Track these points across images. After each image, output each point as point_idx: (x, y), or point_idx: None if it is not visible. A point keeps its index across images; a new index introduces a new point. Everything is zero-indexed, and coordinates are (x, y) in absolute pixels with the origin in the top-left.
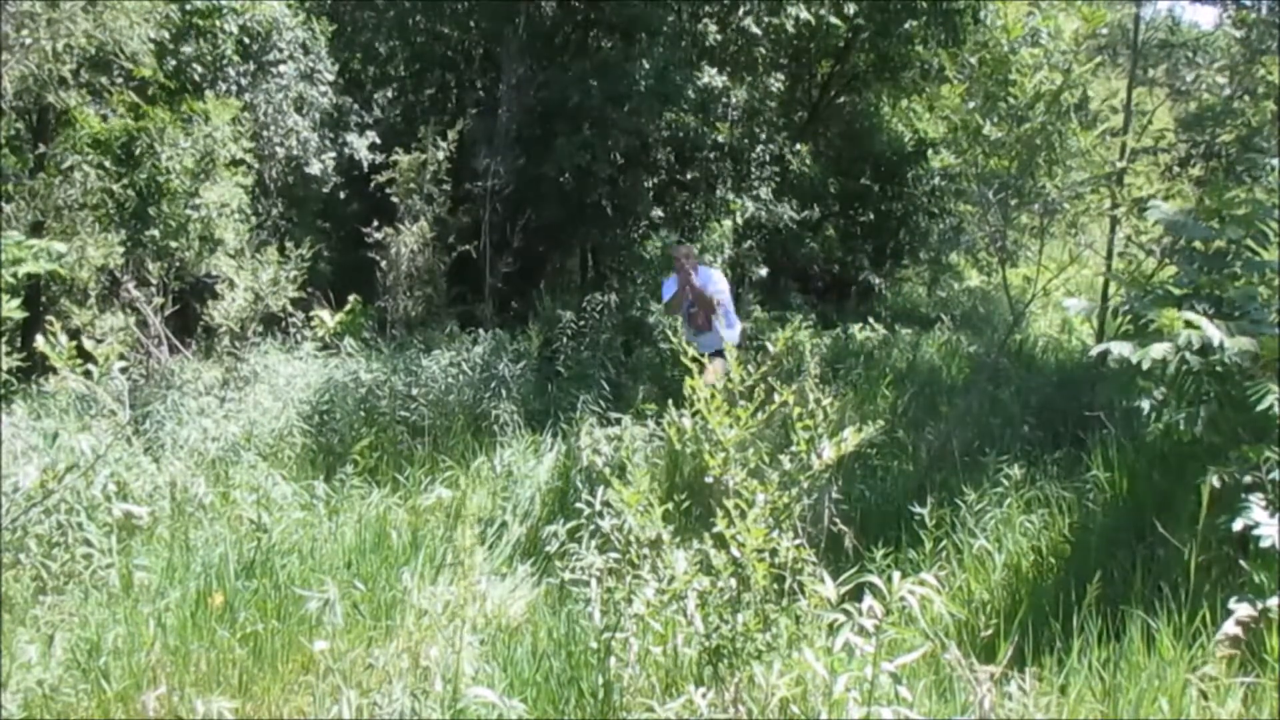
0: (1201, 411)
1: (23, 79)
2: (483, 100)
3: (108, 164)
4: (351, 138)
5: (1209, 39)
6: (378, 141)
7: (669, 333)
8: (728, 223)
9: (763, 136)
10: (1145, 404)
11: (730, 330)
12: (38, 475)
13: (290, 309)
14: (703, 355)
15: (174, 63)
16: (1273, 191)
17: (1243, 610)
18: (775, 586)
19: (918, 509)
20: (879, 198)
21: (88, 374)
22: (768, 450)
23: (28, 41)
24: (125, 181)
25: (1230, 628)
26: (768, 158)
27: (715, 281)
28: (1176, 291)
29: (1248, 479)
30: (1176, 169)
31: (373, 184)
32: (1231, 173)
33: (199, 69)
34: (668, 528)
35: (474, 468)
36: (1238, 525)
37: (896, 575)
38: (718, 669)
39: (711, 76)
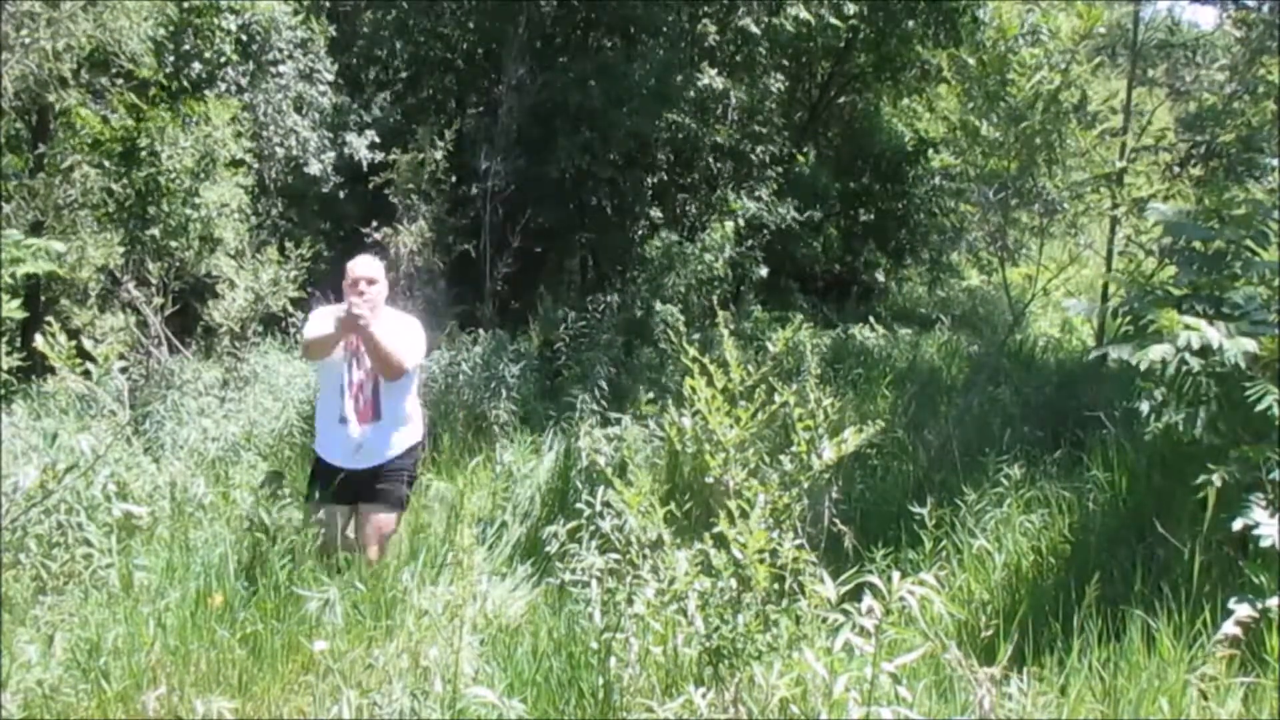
0: (1201, 412)
1: (23, 79)
2: (483, 100)
3: (107, 164)
4: (351, 137)
5: (1209, 39)
6: (377, 141)
7: (670, 333)
8: (730, 225)
9: (761, 137)
10: (1145, 405)
11: (410, 427)
12: (38, 475)
13: (290, 309)
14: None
15: (172, 61)
16: (1273, 191)
17: (1242, 610)
18: (775, 587)
19: (918, 509)
20: (879, 197)
21: (88, 374)
22: (768, 450)
23: (28, 41)
24: (125, 181)
25: (1230, 628)
26: (767, 158)
27: (408, 331)
28: (1176, 292)
29: (1248, 479)
30: (1177, 169)
31: (371, 184)
32: (1232, 173)
33: (198, 68)
34: (669, 528)
35: (473, 467)
36: (1238, 525)
37: (896, 575)
38: (718, 669)
39: (711, 77)
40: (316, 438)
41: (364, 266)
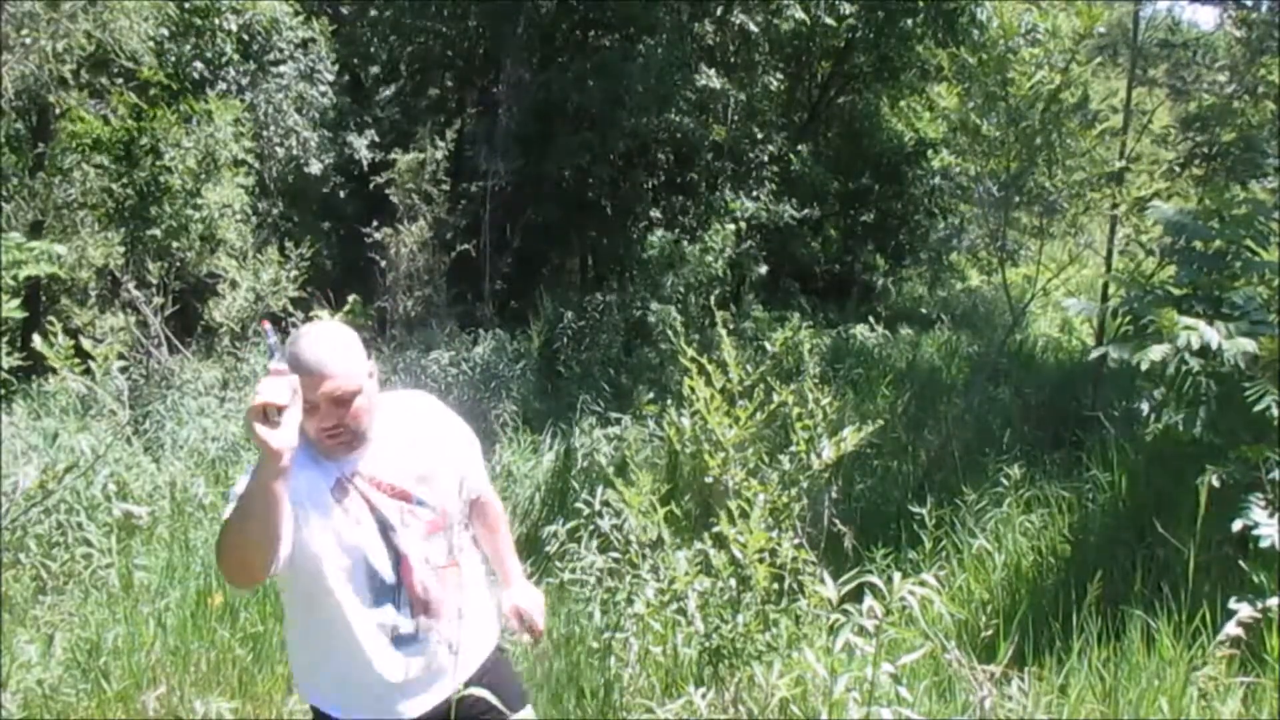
0: (1201, 412)
1: (23, 79)
2: (483, 100)
3: (108, 164)
4: (351, 137)
5: (1209, 39)
6: (377, 141)
7: (669, 333)
8: (730, 226)
9: (760, 137)
10: (1145, 405)
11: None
12: (38, 475)
13: (290, 309)
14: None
15: (173, 61)
16: (1273, 191)
17: (1244, 611)
18: (775, 587)
19: (918, 509)
20: (879, 197)
21: (88, 374)
22: (767, 450)
23: (28, 41)
24: (125, 181)
25: (1232, 629)
26: (766, 158)
27: (460, 432)
28: (1176, 292)
29: (1247, 479)
30: (1177, 169)
31: (372, 184)
32: (1232, 173)
33: (200, 67)
34: (669, 528)
35: None
36: (1238, 525)
37: (896, 575)
38: (718, 669)
39: (710, 77)
40: (323, 692)
41: (329, 360)
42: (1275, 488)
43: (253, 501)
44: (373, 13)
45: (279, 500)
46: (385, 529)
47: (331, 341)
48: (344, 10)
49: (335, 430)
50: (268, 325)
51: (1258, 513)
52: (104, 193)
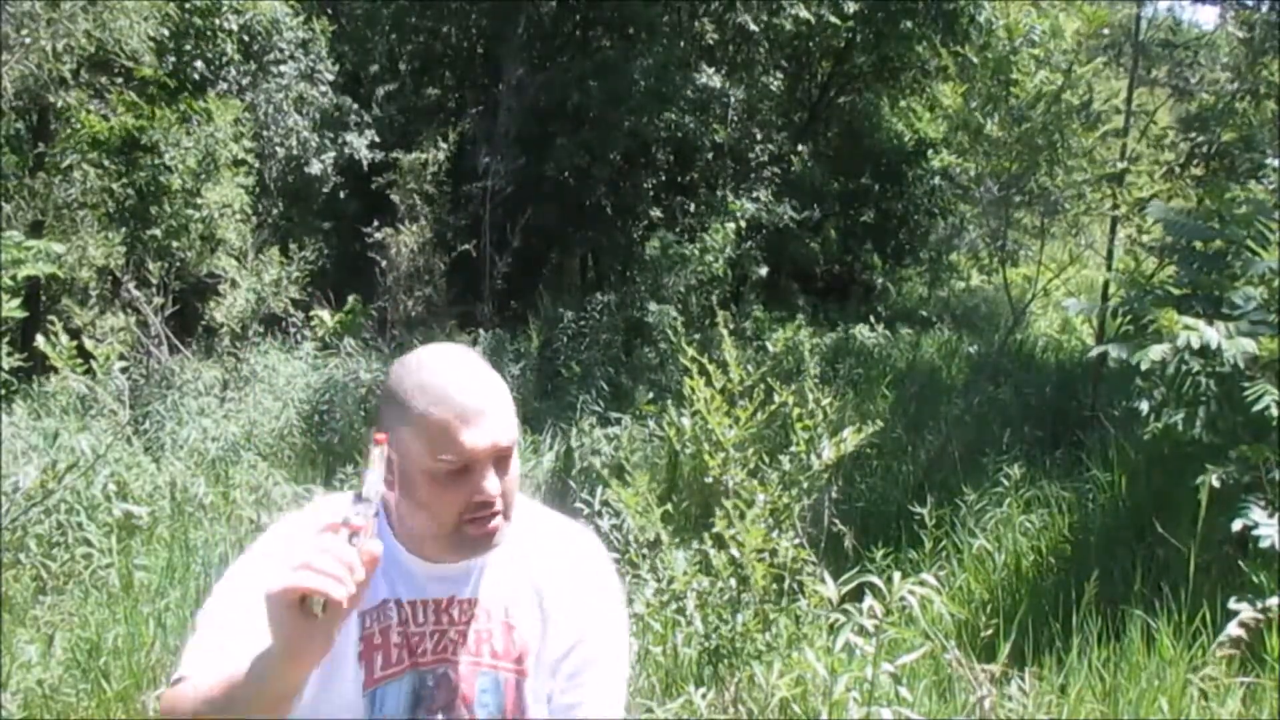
0: (1201, 412)
1: (23, 79)
2: (483, 100)
3: (108, 163)
4: (351, 137)
5: (1211, 39)
6: (377, 141)
7: (669, 333)
8: (730, 226)
9: (760, 137)
10: (1145, 405)
11: None
12: (38, 475)
13: (291, 309)
14: None
15: (174, 61)
16: (1273, 191)
17: (1246, 612)
18: (775, 586)
19: (918, 509)
20: (879, 197)
21: (89, 374)
22: (767, 450)
23: (28, 41)
24: (125, 181)
25: (1234, 629)
26: (767, 158)
27: (611, 617)
28: (1176, 291)
29: (1247, 479)
30: (1178, 169)
31: (373, 184)
32: (1233, 173)
33: (200, 67)
34: (667, 528)
35: None
36: (1237, 525)
37: (896, 575)
38: (718, 669)
39: (710, 76)
40: None
41: (492, 395)
42: (1275, 488)
43: (248, 702)
44: (370, 12)
45: (291, 703)
46: (418, 699)
47: (479, 368)
48: (344, 9)
49: (490, 510)
50: (384, 440)
51: (1258, 513)
52: (104, 193)
